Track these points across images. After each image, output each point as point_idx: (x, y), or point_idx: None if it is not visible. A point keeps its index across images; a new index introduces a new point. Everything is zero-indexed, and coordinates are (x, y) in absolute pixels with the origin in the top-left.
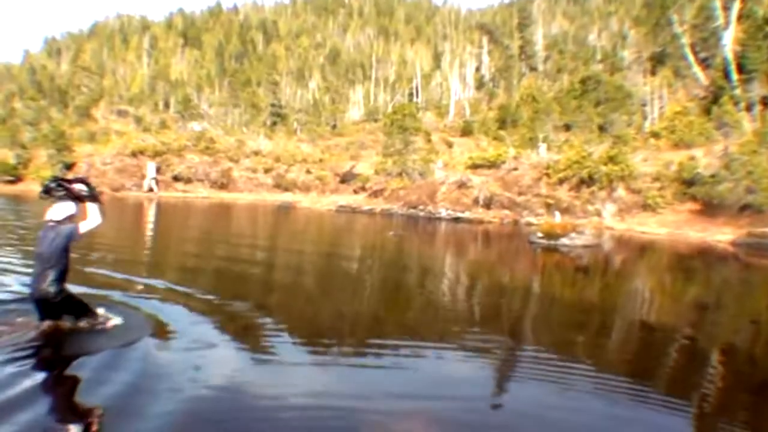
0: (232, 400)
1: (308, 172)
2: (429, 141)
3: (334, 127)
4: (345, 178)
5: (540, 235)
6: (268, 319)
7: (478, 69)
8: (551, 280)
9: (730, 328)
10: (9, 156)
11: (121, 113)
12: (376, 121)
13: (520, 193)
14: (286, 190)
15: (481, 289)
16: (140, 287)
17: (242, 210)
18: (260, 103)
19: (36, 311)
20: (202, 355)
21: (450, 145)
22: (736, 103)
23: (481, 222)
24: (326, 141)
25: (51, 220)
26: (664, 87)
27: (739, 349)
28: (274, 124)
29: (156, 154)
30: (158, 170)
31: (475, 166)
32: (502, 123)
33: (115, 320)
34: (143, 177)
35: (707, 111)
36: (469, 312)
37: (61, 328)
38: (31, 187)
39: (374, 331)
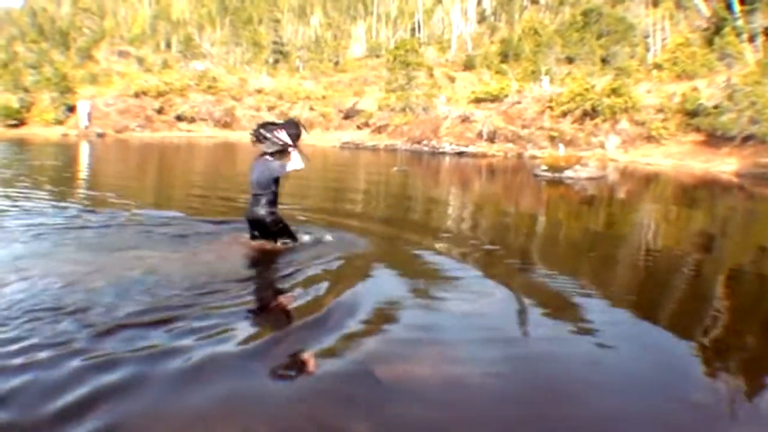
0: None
1: (311, 109)
2: (431, 76)
3: (337, 63)
4: (348, 115)
5: (544, 168)
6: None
7: (479, 3)
8: (557, 212)
9: (739, 254)
10: (12, 100)
11: (123, 54)
12: (378, 56)
13: (523, 127)
14: None
15: (487, 221)
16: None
17: (249, 149)
18: (262, 40)
19: (249, 229)
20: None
21: (452, 80)
22: (738, 34)
23: (484, 156)
24: (329, 78)
25: (264, 153)
26: (666, 19)
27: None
28: (276, 61)
29: (159, 94)
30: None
31: (477, 101)
32: (504, 57)
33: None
34: (147, 118)
35: (710, 42)
36: (478, 244)
37: (267, 246)
38: (34, 130)
39: None
